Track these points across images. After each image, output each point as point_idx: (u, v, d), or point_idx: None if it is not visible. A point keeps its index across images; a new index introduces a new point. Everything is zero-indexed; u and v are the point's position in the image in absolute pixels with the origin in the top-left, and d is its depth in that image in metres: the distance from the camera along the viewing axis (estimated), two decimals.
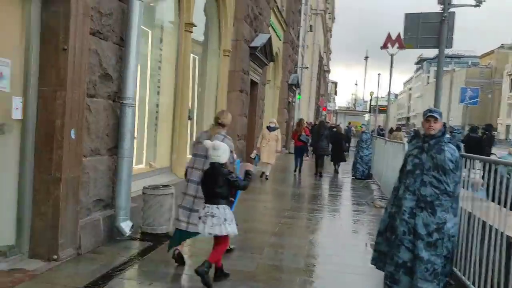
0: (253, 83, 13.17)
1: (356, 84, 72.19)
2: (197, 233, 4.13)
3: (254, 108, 13.40)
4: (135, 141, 7.39)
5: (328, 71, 66.59)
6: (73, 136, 4.16)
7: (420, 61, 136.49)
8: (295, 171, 12.60)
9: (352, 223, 6.88)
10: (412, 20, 17.96)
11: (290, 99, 22.66)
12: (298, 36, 23.03)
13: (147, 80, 7.94)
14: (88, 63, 4.32)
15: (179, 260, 4.34)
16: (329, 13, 55.96)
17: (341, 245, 5.48)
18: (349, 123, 23.96)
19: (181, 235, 4.31)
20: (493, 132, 13.54)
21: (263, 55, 12.74)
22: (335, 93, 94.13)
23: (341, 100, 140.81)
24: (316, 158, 12.88)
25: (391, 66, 13.87)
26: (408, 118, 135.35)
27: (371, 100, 25.38)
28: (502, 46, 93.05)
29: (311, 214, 7.22)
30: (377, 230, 6.44)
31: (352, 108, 57.02)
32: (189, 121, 10.26)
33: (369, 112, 25.59)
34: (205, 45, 10.87)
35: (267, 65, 13.91)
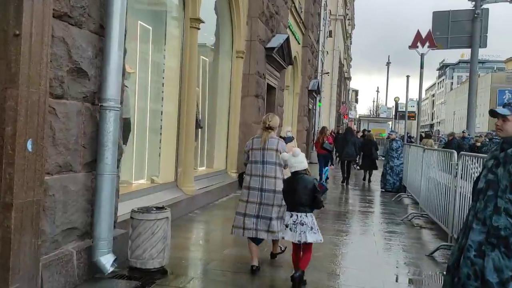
0: (270, 88, 12.14)
1: (377, 91, 70.07)
2: (262, 240, 4.42)
3: None
4: (133, 152, 6.48)
5: (349, 78, 65.14)
6: (30, 148, 3.18)
7: (443, 67, 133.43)
8: (320, 180, 11.65)
9: (389, 248, 5.71)
10: (441, 18, 16.74)
11: (311, 106, 21.54)
12: (318, 40, 21.97)
13: (148, 84, 7.02)
14: (51, 54, 3.36)
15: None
16: (348, 19, 54.81)
17: (379, 282, 4.34)
18: (368, 131, 22.57)
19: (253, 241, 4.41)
20: None
21: (280, 57, 11.73)
22: (356, 101, 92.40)
23: (362, 108, 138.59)
24: (341, 165, 12.28)
25: (422, 67, 12.61)
26: (431, 125, 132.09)
27: (396, 106, 23.98)
28: None
29: (338, 238, 6.09)
30: (421, 258, 5.32)
31: (373, 115, 55.32)
32: (200, 129, 9.31)
33: (395, 118, 24.18)
34: (216, 46, 9.94)
35: (285, 68, 12.89)
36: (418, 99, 13.54)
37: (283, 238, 4.10)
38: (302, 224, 3.86)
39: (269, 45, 10.72)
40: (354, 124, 53.86)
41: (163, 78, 7.28)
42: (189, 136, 7.31)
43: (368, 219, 7.59)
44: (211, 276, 4.28)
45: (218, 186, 8.77)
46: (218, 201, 8.39)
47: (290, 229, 3.90)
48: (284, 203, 4.24)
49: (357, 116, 61.68)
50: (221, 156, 9.90)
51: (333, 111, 44.69)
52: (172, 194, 6.88)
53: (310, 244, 3.99)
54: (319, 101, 28.93)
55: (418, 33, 12.62)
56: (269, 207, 4.27)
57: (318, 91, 21.35)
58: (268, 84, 11.48)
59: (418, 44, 12.58)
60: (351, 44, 69.33)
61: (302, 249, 4.01)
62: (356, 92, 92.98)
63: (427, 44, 12.54)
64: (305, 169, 4.04)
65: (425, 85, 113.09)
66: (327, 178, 12.00)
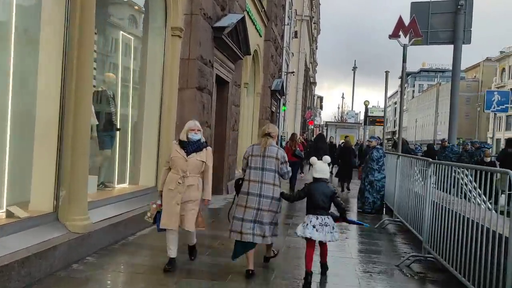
0: (222, 82, 9.70)
1: (342, 97, 68.24)
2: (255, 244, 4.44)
3: (223, 116, 9.91)
4: None
5: (314, 83, 63.63)
6: None
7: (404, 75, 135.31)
8: (290, 187, 11.27)
9: None
10: (420, 10, 14.72)
11: (274, 108, 19.24)
12: (283, 36, 19.74)
13: (9, 64, 4.41)
14: None
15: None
16: (314, 23, 53.37)
17: None
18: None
19: (245, 246, 4.40)
20: None
21: (234, 43, 9.32)
22: (321, 108, 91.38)
23: (327, 114, 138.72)
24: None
25: (404, 61, 10.51)
26: (393, 132, 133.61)
27: (366, 110, 22.08)
28: (488, 59, 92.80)
29: None
30: None
31: (338, 121, 53.84)
32: (117, 132, 6.77)
33: (364, 123, 22.28)
34: (145, 21, 7.44)
35: (241, 58, 10.47)
36: (400, 97, 11.45)
37: (310, 238, 4.25)
38: (326, 225, 4.27)
39: (218, 24, 8.28)
40: (320, 130, 52.45)
41: (38, 55, 4.68)
42: (80, 144, 4.70)
43: (345, 267, 5.18)
44: None
45: (141, 213, 6.21)
46: (134, 235, 5.83)
47: (316, 230, 4.23)
48: (280, 210, 4.56)
49: (322, 122, 60.00)
50: (149, 168, 7.34)
51: (298, 116, 42.82)
52: (44, 235, 4.27)
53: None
54: (284, 104, 26.76)
55: (400, 20, 10.54)
56: (265, 213, 4.35)
57: (282, 92, 19.06)
58: (218, 76, 9.03)
59: (400, 33, 10.54)
60: (316, 49, 68.15)
61: (321, 246, 4.50)
62: (321, 98, 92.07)
63: (411, 33, 10.51)
64: (326, 178, 4.44)
65: (388, 93, 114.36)
66: (293, 186, 11.35)
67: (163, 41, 7.27)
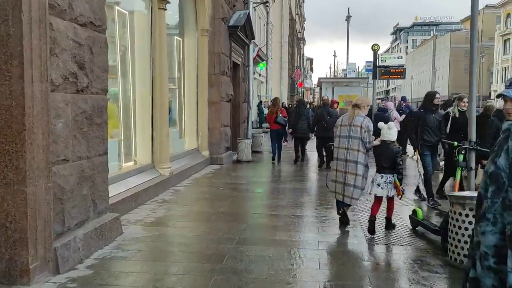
0: None
1: (334, 55, 60.18)
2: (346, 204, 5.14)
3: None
4: None
5: (303, 40, 56.19)
6: None
7: (397, 31, 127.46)
8: (273, 159, 10.74)
9: None
10: None
11: (239, 59, 12.47)
12: None
13: None
14: None
15: (345, 218, 5.16)
16: None
17: None
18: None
19: (338, 204, 5.21)
20: None
21: None
22: (311, 70, 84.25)
23: (319, 77, 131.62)
24: (294, 142, 10.82)
25: None
26: (387, 92, 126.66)
27: (375, 58, 15.39)
28: (488, 7, 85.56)
29: None
30: None
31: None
32: None
33: (374, 77, 15.71)
34: None
35: None
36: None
37: (375, 194, 4.88)
38: (391, 183, 4.79)
39: None
40: (311, 93, 45.66)
41: None
42: None
43: None
44: None
45: None
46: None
47: (381, 187, 4.80)
48: (366, 174, 5.02)
49: (313, 86, 52.57)
50: None
51: (285, 77, 36.00)
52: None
53: (393, 197, 4.97)
54: (262, 59, 19.95)
55: None
56: (350, 175, 4.92)
57: (250, 31, 12.25)
58: None
59: None
60: (303, 2, 60.43)
61: (388, 201, 4.98)
62: (311, 60, 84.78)
63: None
64: (392, 141, 4.87)
65: (380, 50, 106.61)
66: (279, 158, 10.71)
67: None
